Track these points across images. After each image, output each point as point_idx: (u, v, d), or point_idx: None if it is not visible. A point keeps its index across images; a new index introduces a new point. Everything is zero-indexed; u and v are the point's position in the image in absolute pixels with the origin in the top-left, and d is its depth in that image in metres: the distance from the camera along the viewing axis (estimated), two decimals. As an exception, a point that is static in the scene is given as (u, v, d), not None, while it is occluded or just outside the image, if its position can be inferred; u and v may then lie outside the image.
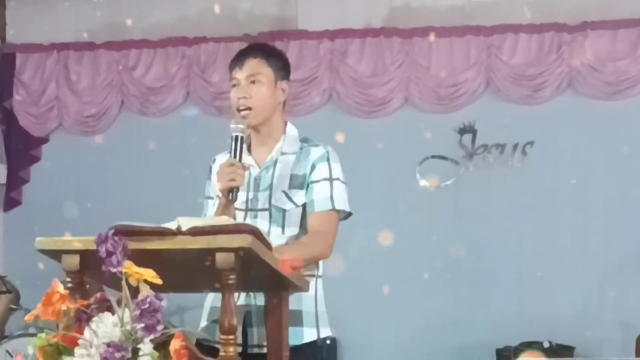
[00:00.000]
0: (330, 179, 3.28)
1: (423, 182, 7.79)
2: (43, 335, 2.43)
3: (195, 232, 2.58)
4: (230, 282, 2.55)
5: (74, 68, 8.37)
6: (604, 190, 7.50)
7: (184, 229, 2.59)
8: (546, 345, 7.17)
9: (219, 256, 2.51)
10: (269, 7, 8.15)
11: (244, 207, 3.28)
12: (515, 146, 7.71)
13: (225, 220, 2.74)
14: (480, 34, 7.74)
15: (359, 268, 7.51)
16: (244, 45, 7.89)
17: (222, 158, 3.40)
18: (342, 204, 3.28)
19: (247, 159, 3.28)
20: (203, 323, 3.31)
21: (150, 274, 2.36)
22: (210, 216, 3.29)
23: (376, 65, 7.91)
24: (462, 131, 7.78)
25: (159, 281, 2.36)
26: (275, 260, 2.72)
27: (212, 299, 3.34)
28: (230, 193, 3.14)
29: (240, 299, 3.17)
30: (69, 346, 2.40)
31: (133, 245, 2.45)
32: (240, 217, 3.27)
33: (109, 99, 8.32)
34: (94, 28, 8.33)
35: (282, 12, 8.14)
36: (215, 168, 3.34)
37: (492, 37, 7.73)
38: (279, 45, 8.03)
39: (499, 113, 7.72)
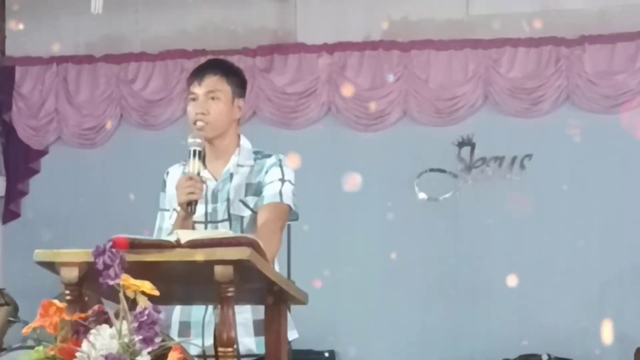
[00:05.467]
0: (282, 180, 3.38)
1: (421, 195, 7.79)
2: (40, 347, 2.43)
3: (194, 244, 2.58)
4: (229, 294, 2.55)
5: (73, 81, 8.37)
6: (602, 203, 7.49)
7: (182, 241, 2.59)
8: (545, 358, 7.17)
9: (218, 269, 2.51)
10: (268, 20, 8.16)
11: (203, 219, 3.37)
12: (513, 159, 7.71)
13: (224, 232, 2.75)
14: (478, 47, 7.75)
15: (357, 282, 7.51)
16: (243, 58, 8.00)
17: (176, 170, 3.53)
18: (288, 200, 3.36)
19: (203, 172, 3.35)
20: (175, 338, 3.31)
21: (147, 286, 2.36)
22: (167, 229, 3.36)
23: (375, 79, 7.91)
24: (461, 144, 7.78)
25: (156, 293, 2.37)
26: (274, 273, 2.72)
27: (179, 314, 3.36)
28: (189, 206, 3.21)
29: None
30: (67, 359, 2.40)
31: (132, 257, 2.46)
32: (200, 229, 3.34)
33: (108, 111, 8.32)
34: (93, 41, 8.35)
35: (281, 25, 8.15)
36: (170, 180, 3.48)
37: (491, 50, 7.73)
38: (277, 58, 8.06)
39: (498, 126, 7.73)
